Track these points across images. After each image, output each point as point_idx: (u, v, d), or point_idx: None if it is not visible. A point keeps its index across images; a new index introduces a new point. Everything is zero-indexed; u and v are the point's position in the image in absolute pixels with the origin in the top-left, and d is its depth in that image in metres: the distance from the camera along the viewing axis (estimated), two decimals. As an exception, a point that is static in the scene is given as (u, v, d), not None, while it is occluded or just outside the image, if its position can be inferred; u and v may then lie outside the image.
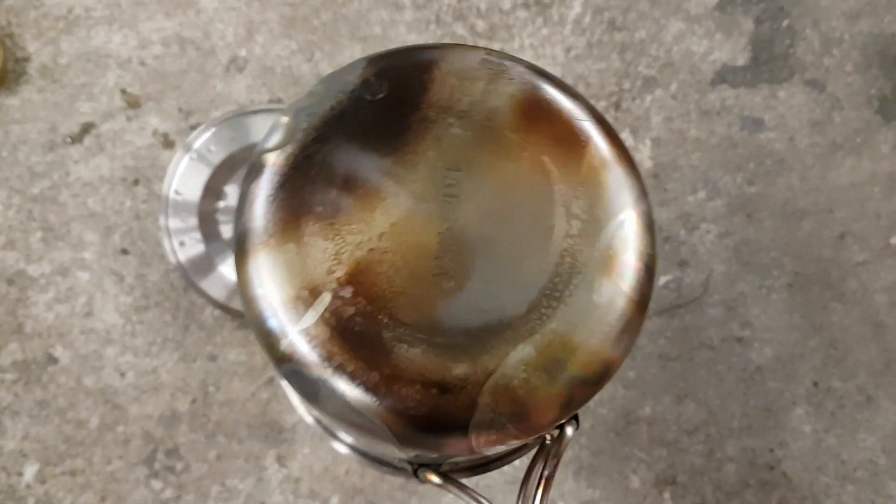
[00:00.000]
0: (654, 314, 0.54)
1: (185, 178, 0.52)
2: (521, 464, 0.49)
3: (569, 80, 0.55)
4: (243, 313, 0.51)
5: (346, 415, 0.25)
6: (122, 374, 0.53)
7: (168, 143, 0.55)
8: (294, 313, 0.25)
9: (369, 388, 0.25)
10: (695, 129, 0.55)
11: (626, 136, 0.55)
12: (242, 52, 0.55)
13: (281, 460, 0.53)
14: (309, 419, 0.43)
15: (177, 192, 0.52)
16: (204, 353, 0.53)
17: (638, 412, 0.52)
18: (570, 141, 0.28)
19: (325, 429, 0.42)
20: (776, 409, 0.53)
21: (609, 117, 0.55)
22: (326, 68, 0.55)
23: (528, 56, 0.55)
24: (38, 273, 0.53)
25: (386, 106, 0.27)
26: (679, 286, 0.54)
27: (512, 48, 0.55)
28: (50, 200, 0.54)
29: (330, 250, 0.26)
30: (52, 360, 0.53)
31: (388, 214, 0.26)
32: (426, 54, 0.28)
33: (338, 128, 0.27)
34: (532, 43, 0.55)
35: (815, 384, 0.53)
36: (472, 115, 0.28)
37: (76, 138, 0.55)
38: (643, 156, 0.55)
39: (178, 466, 0.52)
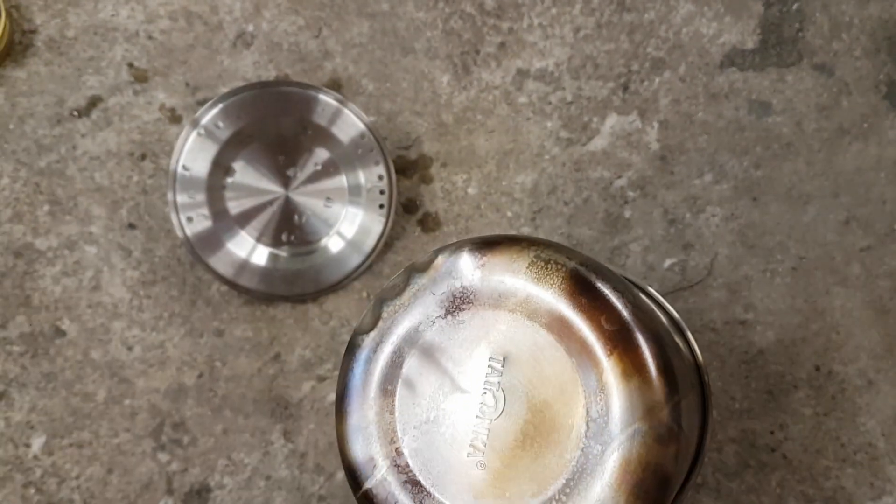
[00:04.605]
0: (658, 296, 0.54)
1: (192, 153, 0.52)
2: None
3: (577, 61, 0.55)
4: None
5: None
6: (130, 348, 0.53)
7: (175, 119, 0.55)
8: (367, 470, 0.34)
9: None
10: (702, 111, 0.55)
11: (633, 119, 0.55)
12: (250, 28, 0.55)
13: (287, 435, 0.53)
14: None
15: (184, 168, 0.52)
16: (210, 329, 0.54)
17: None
18: (595, 347, 0.32)
19: None
20: (777, 391, 0.53)
21: (617, 99, 0.55)
22: (334, 45, 0.55)
23: (536, 36, 0.55)
24: (46, 246, 0.54)
25: (448, 300, 0.33)
26: (683, 269, 0.54)
27: (521, 27, 0.55)
28: (57, 174, 0.54)
29: (394, 424, 0.33)
30: (60, 332, 0.53)
31: (439, 398, 0.33)
32: (483, 251, 0.34)
33: (410, 318, 0.33)
34: (541, 22, 0.55)
35: (817, 368, 0.53)
36: (516, 315, 0.32)
37: (83, 112, 0.55)
38: (651, 138, 0.55)
39: (185, 440, 0.53)
